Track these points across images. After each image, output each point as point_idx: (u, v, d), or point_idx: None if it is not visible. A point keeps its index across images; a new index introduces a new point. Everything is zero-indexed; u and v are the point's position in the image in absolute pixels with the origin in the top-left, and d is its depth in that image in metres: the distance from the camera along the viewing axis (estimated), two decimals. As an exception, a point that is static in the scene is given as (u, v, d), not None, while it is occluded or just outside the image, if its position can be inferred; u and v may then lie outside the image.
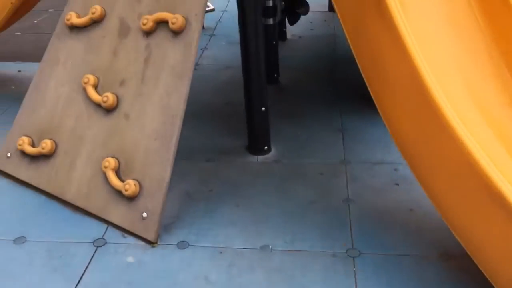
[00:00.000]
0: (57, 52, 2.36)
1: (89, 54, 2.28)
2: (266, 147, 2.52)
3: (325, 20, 4.19)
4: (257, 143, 2.52)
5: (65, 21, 2.34)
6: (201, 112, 2.87)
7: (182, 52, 2.08)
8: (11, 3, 2.75)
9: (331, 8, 4.38)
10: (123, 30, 2.22)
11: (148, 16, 2.13)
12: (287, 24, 3.52)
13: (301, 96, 3.08)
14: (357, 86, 3.14)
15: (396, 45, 1.68)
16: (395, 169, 2.34)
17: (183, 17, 2.07)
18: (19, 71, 3.50)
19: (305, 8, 3.11)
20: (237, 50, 3.77)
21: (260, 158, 2.50)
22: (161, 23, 2.13)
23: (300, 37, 3.90)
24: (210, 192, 2.29)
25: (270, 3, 2.74)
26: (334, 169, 2.38)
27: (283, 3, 3.00)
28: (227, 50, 3.73)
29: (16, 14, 2.91)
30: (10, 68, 3.55)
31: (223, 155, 2.54)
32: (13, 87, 3.29)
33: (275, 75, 3.18)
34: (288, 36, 3.87)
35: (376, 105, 1.88)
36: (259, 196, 2.24)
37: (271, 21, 2.83)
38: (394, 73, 1.74)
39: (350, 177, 2.31)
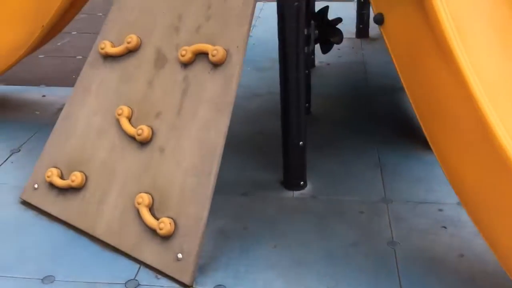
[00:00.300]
0: (89, 81, 2.29)
1: (123, 84, 2.20)
2: (302, 182, 2.42)
3: (353, 48, 4.12)
4: (292, 177, 2.41)
5: (99, 49, 2.27)
6: (232, 142, 2.74)
7: (222, 85, 2.00)
8: (42, 26, 2.70)
9: (358, 35, 4.32)
10: (160, 61, 2.15)
11: (187, 47, 2.06)
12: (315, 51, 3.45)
13: (334, 127, 2.98)
14: (391, 118, 3.06)
15: (456, 81, 1.59)
16: (440, 210, 2.22)
17: (224, 49, 2.00)
18: (44, 95, 3.45)
19: (339, 37, 3.03)
20: (264, 76, 3.73)
21: (296, 193, 2.40)
22: (200, 55, 2.06)
23: (328, 64, 3.82)
24: (245, 229, 2.18)
25: (305, 32, 2.66)
26: (375, 207, 2.27)
27: (317, 31, 2.93)
28: (254, 77, 3.66)
29: (46, 37, 2.87)
30: (34, 92, 3.49)
31: (257, 189, 2.43)
32: (38, 112, 3.22)
33: (307, 104, 3.09)
34: (316, 63, 3.80)
35: (429, 141, 1.78)
36: (297, 235, 2.14)
37: (305, 50, 2.75)
38: (454, 111, 1.64)
39: (393, 217, 2.20)
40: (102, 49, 2.26)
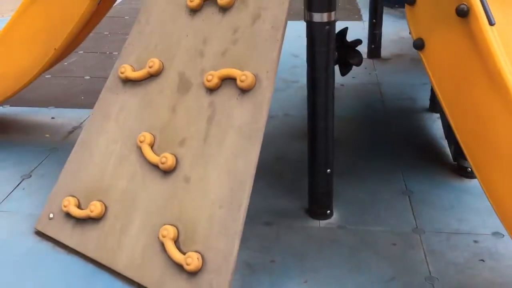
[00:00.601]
0: (108, 106, 2.19)
1: (145, 110, 2.11)
2: (328, 211, 2.32)
3: (366, 68, 4.05)
4: (319, 206, 2.31)
5: (119, 74, 2.18)
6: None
7: (251, 113, 1.91)
8: (54, 48, 2.62)
9: (370, 55, 4.26)
10: (183, 86, 2.06)
11: (213, 72, 1.97)
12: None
13: (355, 151, 2.90)
14: (413, 142, 2.98)
15: (507, 110, 1.52)
16: (475, 241, 2.13)
17: (253, 74, 1.91)
18: (53, 117, 3.34)
19: (359, 59, 2.95)
20: (278, 97, 3.65)
21: (323, 222, 2.30)
22: (227, 80, 1.98)
23: (342, 85, 3.75)
24: (273, 263, 2.08)
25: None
26: (407, 238, 2.17)
27: (336, 53, 2.85)
28: (269, 98, 3.56)
29: (57, 59, 2.79)
30: (43, 114, 3.39)
31: (282, 218, 2.33)
32: (47, 135, 3.11)
33: (326, 128, 3.00)
34: (330, 84, 3.72)
35: (475, 171, 1.68)
36: (328, 269, 2.03)
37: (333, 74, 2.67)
38: (504, 141, 1.55)
39: (427, 249, 2.10)
40: (122, 73, 2.17)
